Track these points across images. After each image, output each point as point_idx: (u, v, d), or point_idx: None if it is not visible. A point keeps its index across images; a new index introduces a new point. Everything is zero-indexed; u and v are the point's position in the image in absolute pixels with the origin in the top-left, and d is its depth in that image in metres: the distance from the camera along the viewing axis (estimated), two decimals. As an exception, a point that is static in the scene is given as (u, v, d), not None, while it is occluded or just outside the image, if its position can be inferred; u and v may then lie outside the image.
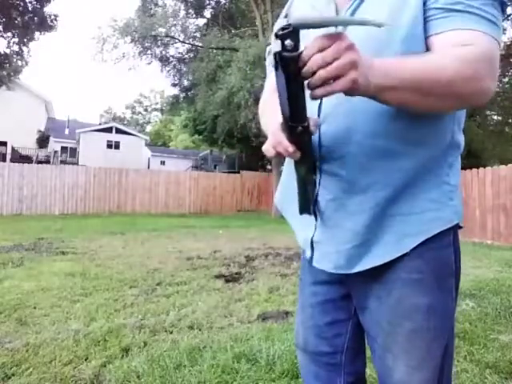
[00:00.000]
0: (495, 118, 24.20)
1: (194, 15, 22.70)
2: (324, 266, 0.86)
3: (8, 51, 15.51)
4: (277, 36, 0.53)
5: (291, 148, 0.65)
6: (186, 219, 12.30)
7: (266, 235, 8.08)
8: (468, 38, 0.67)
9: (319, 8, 0.85)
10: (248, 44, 15.34)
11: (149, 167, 28.02)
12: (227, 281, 3.93)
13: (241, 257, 5.28)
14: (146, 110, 55.65)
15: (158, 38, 20.35)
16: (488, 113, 23.23)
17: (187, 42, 21.60)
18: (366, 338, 0.93)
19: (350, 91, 0.58)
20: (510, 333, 2.58)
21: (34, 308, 2.95)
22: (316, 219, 0.84)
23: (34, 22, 15.33)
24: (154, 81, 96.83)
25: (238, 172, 18.63)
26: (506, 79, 22.62)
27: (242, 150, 23.96)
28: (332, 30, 0.67)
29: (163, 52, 21.97)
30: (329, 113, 0.76)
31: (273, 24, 16.62)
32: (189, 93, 23.30)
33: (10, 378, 1.90)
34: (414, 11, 0.72)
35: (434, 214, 0.78)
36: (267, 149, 0.69)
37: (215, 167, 28.75)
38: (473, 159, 17.33)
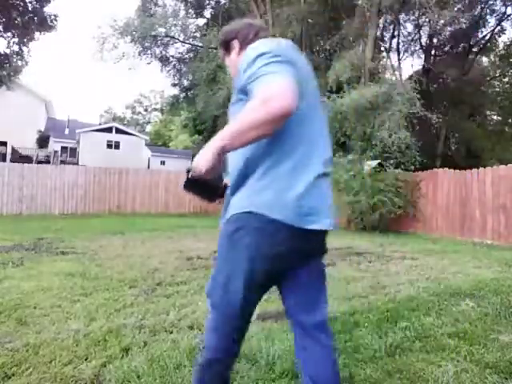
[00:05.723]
0: (495, 117, 24.19)
1: (194, 15, 22.73)
2: None
3: (8, 51, 15.50)
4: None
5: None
6: (186, 219, 12.29)
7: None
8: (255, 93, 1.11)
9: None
10: (248, 44, 15.31)
11: (149, 167, 28.02)
12: (227, 281, 3.92)
13: (241, 257, 5.27)
14: (146, 110, 55.59)
15: (158, 38, 20.38)
16: (488, 113, 23.23)
17: (187, 42, 21.62)
18: None
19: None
20: (510, 333, 2.58)
21: (34, 308, 2.95)
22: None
23: (34, 22, 15.32)
24: (154, 81, 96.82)
25: (238, 172, 18.57)
26: (506, 79, 22.63)
27: (242, 150, 23.91)
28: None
29: (163, 52, 22.00)
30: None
31: (273, 24, 16.64)
32: (189, 93, 23.33)
33: (10, 377, 1.90)
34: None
35: (238, 203, 1.24)
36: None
37: (215, 167, 28.64)
38: (472, 159, 17.29)
